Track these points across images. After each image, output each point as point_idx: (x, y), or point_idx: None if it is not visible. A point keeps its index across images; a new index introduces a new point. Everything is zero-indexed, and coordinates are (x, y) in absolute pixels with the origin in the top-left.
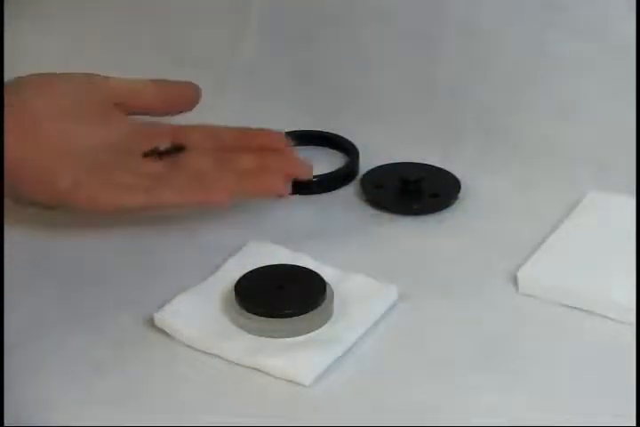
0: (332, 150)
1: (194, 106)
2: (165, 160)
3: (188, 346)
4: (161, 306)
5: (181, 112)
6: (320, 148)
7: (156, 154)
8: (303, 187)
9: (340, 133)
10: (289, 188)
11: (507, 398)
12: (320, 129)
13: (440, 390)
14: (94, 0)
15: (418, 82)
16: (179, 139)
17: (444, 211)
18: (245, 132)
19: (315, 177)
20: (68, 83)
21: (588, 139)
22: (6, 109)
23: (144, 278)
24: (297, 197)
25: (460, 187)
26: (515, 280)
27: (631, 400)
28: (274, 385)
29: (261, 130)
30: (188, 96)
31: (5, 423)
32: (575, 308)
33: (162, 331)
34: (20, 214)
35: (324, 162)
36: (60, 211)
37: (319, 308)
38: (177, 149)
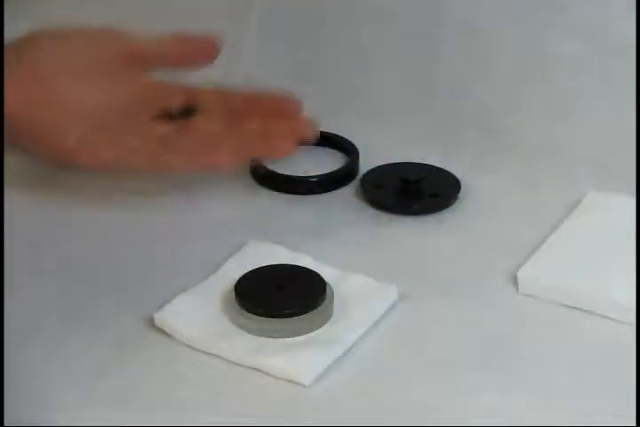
0: (331, 150)
1: (213, 60)
2: (175, 122)
3: (188, 346)
4: (161, 306)
5: (200, 66)
6: (320, 148)
7: (167, 116)
8: (303, 187)
9: (340, 133)
10: (296, 148)
11: (507, 398)
12: (320, 129)
13: (440, 390)
14: (94, 0)
15: (418, 82)
16: (191, 100)
17: (444, 211)
18: (255, 95)
19: (315, 177)
20: (82, 38)
21: (588, 139)
22: (14, 65)
23: (144, 277)
24: (297, 197)
25: (459, 187)
26: (515, 280)
27: (631, 400)
28: (274, 385)
29: (271, 94)
30: (207, 49)
31: (5, 423)
32: (575, 308)
33: (162, 331)
34: (20, 209)
35: (324, 162)
36: (62, 205)
37: (319, 308)
38: (188, 112)
